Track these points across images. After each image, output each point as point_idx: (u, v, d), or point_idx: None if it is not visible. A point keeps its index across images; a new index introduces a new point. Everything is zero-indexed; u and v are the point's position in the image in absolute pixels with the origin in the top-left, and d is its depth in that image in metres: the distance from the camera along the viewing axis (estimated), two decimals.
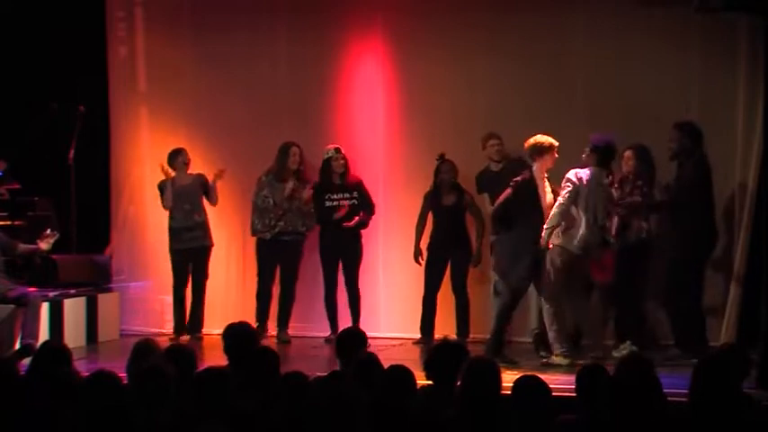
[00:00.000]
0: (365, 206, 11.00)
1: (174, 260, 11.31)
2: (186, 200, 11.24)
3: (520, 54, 10.93)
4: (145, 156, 11.75)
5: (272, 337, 11.12)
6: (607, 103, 10.58)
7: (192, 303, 11.33)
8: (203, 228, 11.28)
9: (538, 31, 10.87)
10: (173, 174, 11.23)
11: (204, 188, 11.28)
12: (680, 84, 10.48)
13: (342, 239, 10.95)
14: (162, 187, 11.27)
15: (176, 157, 11.26)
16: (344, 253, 11.02)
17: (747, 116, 9.87)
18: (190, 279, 11.32)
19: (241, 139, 11.24)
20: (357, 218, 10.89)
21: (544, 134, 9.49)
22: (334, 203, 10.96)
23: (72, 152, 11.37)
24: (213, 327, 10.69)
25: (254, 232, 11.20)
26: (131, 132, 11.98)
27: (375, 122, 11.43)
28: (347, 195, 10.96)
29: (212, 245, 11.33)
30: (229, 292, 11.35)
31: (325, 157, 11.01)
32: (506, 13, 10.97)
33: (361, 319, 10.88)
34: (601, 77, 10.67)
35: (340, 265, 11.07)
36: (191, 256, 11.28)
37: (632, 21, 10.58)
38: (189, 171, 11.33)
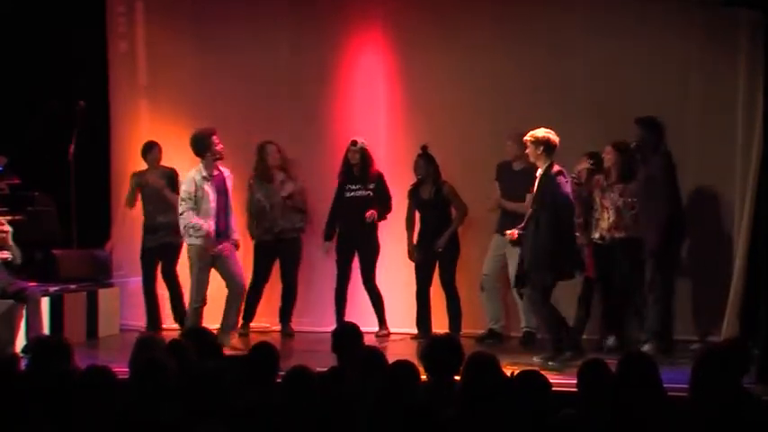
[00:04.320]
0: (381, 200, 10.94)
1: (142, 259, 11.37)
2: (149, 200, 11.25)
3: (520, 47, 10.91)
4: None
5: (274, 331, 11.15)
6: (607, 99, 10.56)
7: (171, 299, 11.30)
8: (168, 227, 11.15)
9: (539, 25, 10.85)
10: (141, 168, 11.24)
11: (172, 185, 11.21)
12: (680, 80, 10.46)
13: (359, 233, 10.89)
14: (138, 183, 11.27)
15: (149, 153, 11.27)
16: (360, 246, 10.96)
17: (747, 113, 9.84)
18: (158, 276, 11.35)
19: (242, 132, 11.20)
20: (371, 211, 10.82)
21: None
22: (351, 194, 10.93)
23: (72, 147, 11.36)
24: (216, 321, 10.65)
25: (254, 237, 11.16)
26: (132, 127, 11.97)
27: (376, 115, 11.42)
28: (362, 187, 10.92)
29: (181, 242, 10.75)
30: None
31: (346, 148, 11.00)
32: (507, 6, 10.97)
33: (361, 314, 10.80)
34: (601, 73, 10.64)
35: (355, 259, 11.02)
36: (157, 255, 11.29)
37: (633, 16, 10.55)
38: (162, 164, 11.30)
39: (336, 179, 11.08)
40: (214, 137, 9.87)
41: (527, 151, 9.22)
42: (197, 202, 9.82)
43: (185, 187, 9.87)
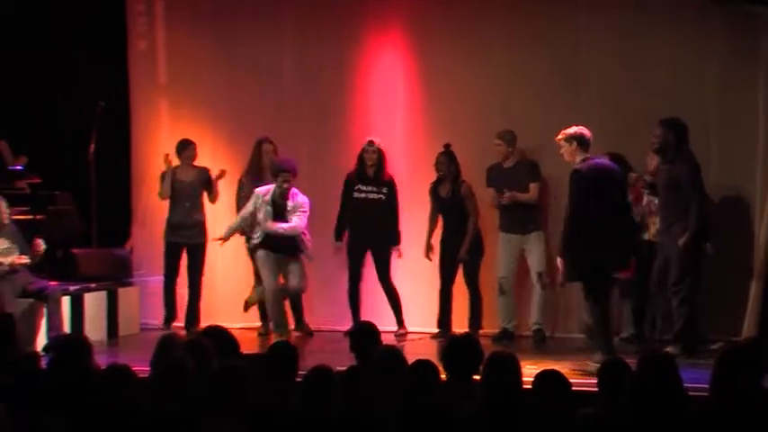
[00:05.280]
0: (391, 207, 10.93)
1: (167, 252, 11.34)
2: (187, 198, 11.23)
3: (538, 47, 10.87)
4: (165, 148, 11.56)
5: (294, 330, 11.07)
6: (627, 98, 10.52)
7: (189, 300, 11.31)
8: (200, 226, 11.26)
9: (562, 23, 10.82)
10: (175, 164, 11.23)
11: (207, 184, 11.24)
12: (700, 77, 10.40)
13: (371, 234, 10.88)
14: (164, 177, 11.26)
15: (183, 150, 11.24)
16: (373, 246, 10.94)
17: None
18: (180, 273, 11.35)
19: (262, 130, 11.18)
20: (398, 251, 10.93)
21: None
22: (363, 195, 10.92)
23: (92, 147, 11.37)
24: (235, 320, 10.69)
25: (242, 231, 11.13)
26: (152, 126, 11.99)
27: (394, 115, 11.41)
28: (375, 189, 10.91)
29: (207, 242, 11.27)
30: (249, 285, 11.24)
31: (362, 148, 10.99)
32: (529, 4, 10.93)
33: (378, 313, 10.75)
34: (622, 71, 10.59)
35: (366, 259, 11.01)
36: (185, 252, 11.29)
37: (651, 15, 10.52)
38: (195, 164, 11.31)
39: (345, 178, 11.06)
40: (283, 173, 10.49)
41: (562, 151, 9.02)
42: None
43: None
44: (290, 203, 10.53)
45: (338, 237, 11.09)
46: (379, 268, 10.96)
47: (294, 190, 10.53)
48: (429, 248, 10.89)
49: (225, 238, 10.84)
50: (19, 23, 11.94)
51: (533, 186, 10.58)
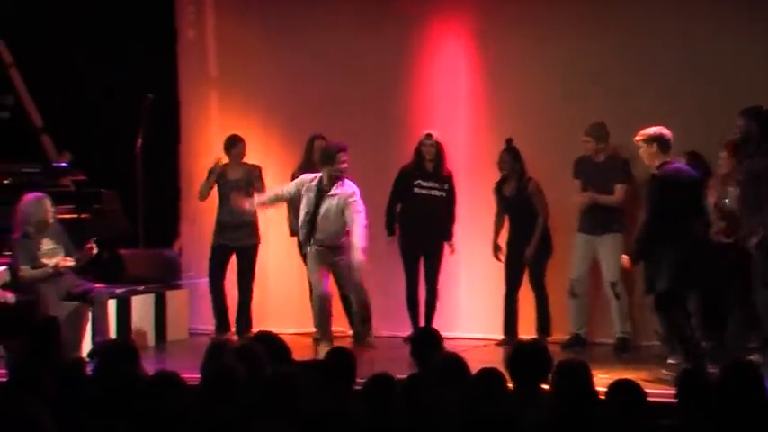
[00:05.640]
0: (450, 205, 10.70)
1: (212, 255, 11.05)
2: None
3: (604, 34, 10.64)
4: (215, 143, 11.42)
5: (350, 336, 10.79)
6: (706, 91, 10.26)
7: (240, 304, 11.05)
8: (250, 226, 10.97)
9: (636, 12, 10.57)
10: (224, 161, 10.99)
11: (256, 182, 10.94)
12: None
13: (428, 232, 10.63)
14: (210, 174, 11.02)
15: (232, 148, 10.98)
16: (427, 247, 10.71)
17: None
18: (228, 276, 11.09)
19: (315, 124, 11.02)
20: (449, 248, 10.66)
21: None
22: (423, 191, 10.68)
23: (139, 142, 11.26)
24: (286, 325, 10.52)
25: (293, 232, 10.87)
26: (202, 120, 11.88)
27: (456, 106, 11.19)
28: (437, 186, 10.67)
29: (258, 242, 11.02)
30: (303, 288, 11.02)
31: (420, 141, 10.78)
32: None
33: (443, 318, 10.57)
34: (700, 64, 10.34)
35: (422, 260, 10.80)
36: (231, 255, 11.03)
37: (734, 6, 10.31)
38: (245, 161, 11.05)
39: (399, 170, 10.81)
40: (341, 153, 9.88)
41: (640, 152, 8.84)
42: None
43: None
44: (334, 189, 10.00)
45: (391, 231, 10.81)
46: (429, 267, 10.71)
47: (344, 179, 10.08)
48: (497, 249, 10.68)
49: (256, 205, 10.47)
50: (64, 13, 11.89)
51: (619, 188, 10.23)
